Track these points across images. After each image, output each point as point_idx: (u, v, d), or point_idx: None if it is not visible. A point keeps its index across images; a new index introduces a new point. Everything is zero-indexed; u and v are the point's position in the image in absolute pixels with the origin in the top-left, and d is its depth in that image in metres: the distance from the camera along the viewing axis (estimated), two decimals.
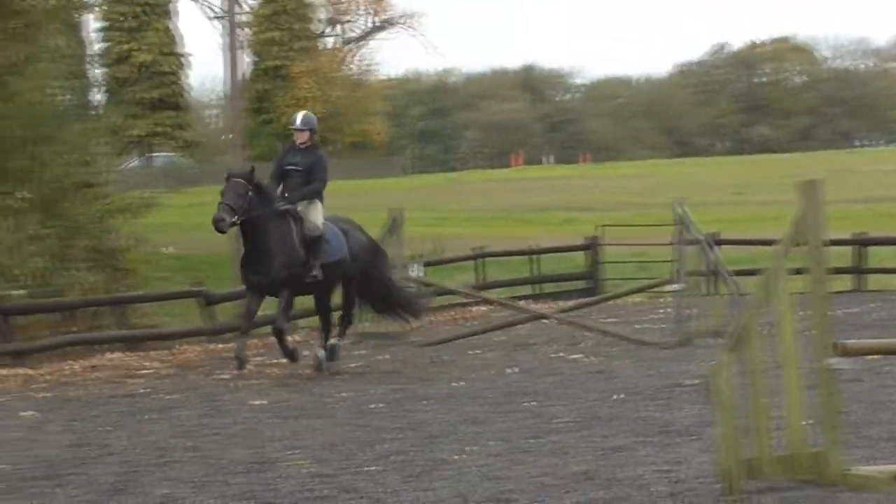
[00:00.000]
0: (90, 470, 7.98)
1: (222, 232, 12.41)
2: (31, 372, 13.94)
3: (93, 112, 33.62)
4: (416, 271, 17.30)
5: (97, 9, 35.29)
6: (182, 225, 30.15)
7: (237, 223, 12.15)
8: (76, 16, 30.41)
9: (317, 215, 12.70)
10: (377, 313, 14.55)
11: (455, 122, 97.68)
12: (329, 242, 12.76)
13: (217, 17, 25.94)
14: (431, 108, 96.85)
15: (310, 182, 12.64)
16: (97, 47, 62.63)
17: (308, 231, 12.54)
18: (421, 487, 6.77)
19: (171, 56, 70.11)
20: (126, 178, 25.44)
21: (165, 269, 22.94)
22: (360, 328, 16.53)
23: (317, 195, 12.76)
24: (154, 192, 23.01)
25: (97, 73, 54.84)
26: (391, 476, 7.34)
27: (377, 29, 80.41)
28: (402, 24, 78.10)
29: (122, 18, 67.24)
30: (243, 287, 14.54)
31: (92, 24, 53.35)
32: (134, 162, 54.18)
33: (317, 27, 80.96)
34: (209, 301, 17.13)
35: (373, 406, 11.31)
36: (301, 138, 12.84)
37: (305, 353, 13.73)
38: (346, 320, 13.60)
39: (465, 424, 9.82)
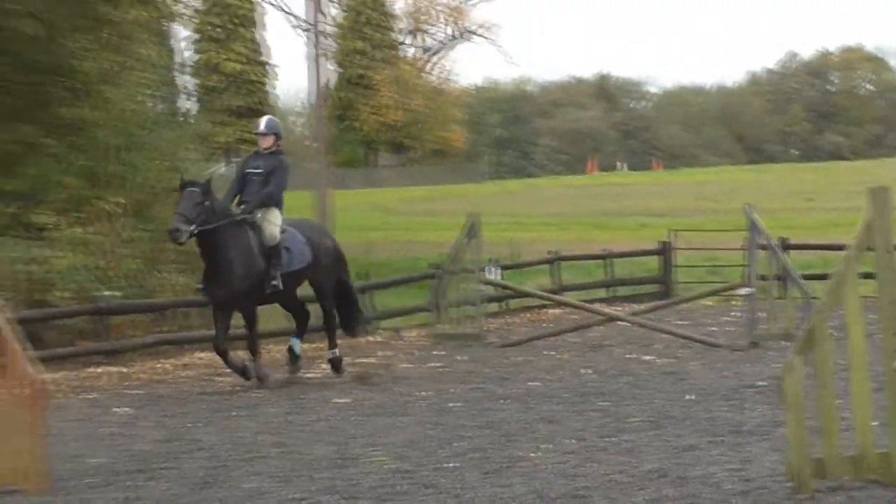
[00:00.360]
0: (181, 464, 8.21)
1: (179, 243, 12.03)
2: (124, 370, 14.21)
3: (182, 119, 34.62)
4: (492, 274, 17.13)
5: (188, 19, 36.20)
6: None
7: (194, 233, 11.69)
8: (166, 26, 31.24)
9: (274, 223, 12.27)
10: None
11: (531, 130, 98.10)
12: (290, 251, 12.36)
13: (302, 28, 26.15)
14: (508, 116, 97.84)
15: (269, 186, 12.25)
16: (187, 56, 64.66)
17: (266, 240, 12.13)
18: (498, 484, 6.85)
19: (258, 65, 71.87)
20: (213, 184, 25.86)
21: None
22: (439, 329, 16.65)
23: (272, 200, 12.31)
24: None
25: (187, 81, 56.80)
26: (469, 472, 7.44)
27: (456, 39, 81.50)
28: (480, 34, 79.00)
29: (210, 29, 69.08)
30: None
31: (182, 33, 55.16)
32: (221, 168, 55.95)
33: (398, 37, 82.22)
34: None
35: (451, 405, 11.39)
36: (265, 143, 12.45)
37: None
38: (331, 331, 12.99)
39: (540, 423, 9.92)
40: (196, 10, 43.37)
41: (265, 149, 12.33)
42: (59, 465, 8.32)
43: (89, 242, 17.47)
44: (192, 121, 38.57)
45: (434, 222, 32.91)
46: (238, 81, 69.32)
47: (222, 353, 11.96)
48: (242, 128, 65.10)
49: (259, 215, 12.08)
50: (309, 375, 13.54)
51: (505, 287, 18.24)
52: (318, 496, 6.70)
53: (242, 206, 12.08)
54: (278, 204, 12.35)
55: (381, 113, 73.71)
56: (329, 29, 32.44)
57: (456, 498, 6.54)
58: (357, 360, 14.81)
